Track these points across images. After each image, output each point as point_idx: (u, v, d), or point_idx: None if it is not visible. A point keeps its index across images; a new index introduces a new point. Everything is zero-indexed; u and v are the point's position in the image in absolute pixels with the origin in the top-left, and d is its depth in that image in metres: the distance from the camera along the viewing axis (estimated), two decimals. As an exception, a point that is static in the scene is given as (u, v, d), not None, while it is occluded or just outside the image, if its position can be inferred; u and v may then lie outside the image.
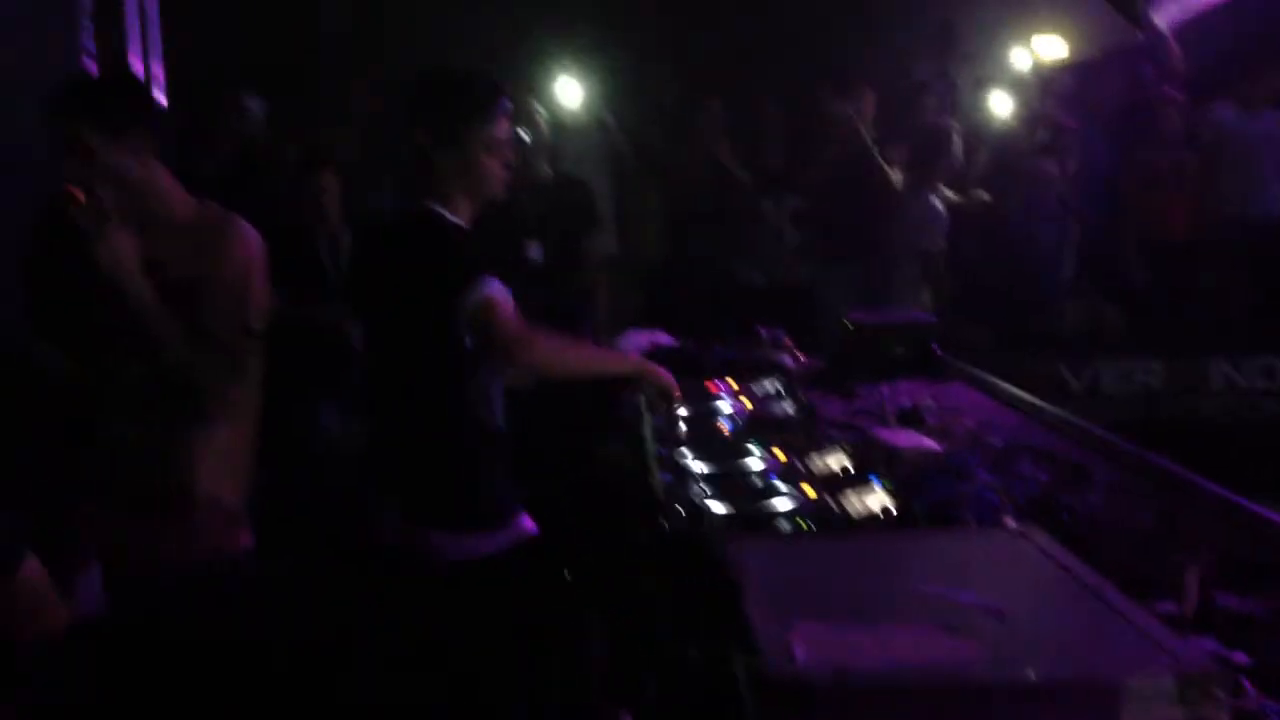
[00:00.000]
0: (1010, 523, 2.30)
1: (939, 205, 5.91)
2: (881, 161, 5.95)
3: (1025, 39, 6.92)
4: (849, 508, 2.45)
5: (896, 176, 5.98)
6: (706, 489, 2.55)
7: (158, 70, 4.56)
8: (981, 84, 6.84)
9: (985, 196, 6.27)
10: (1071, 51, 6.83)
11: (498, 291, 2.60)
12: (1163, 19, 6.13)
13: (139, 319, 2.42)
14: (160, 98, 4.72)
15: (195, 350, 2.46)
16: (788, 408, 3.25)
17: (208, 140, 5.49)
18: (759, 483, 2.61)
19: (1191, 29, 6.15)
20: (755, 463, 2.74)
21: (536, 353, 2.67)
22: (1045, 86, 6.57)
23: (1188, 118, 6.33)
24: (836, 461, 2.72)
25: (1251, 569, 2.03)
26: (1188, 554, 2.03)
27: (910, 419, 3.24)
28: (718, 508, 2.45)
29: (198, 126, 5.36)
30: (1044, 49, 6.84)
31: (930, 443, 2.96)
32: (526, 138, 5.66)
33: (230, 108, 5.63)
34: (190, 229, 2.54)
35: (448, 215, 2.75)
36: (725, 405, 3.27)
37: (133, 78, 3.99)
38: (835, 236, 5.99)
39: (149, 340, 2.44)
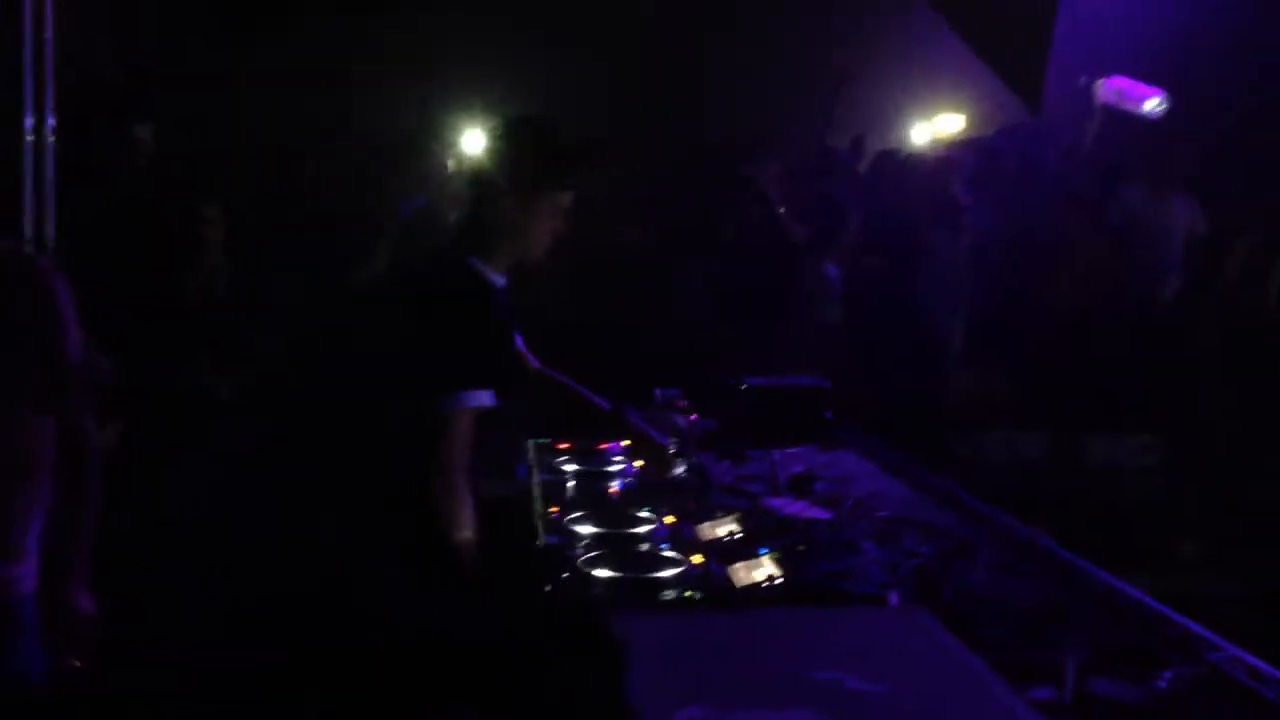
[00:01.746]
0: (894, 599, 2.31)
1: (834, 274, 6.00)
2: (787, 222, 6.02)
3: (927, 116, 7.10)
4: (736, 577, 2.43)
5: (800, 235, 6.06)
6: (593, 552, 2.51)
7: (49, 91, 4.42)
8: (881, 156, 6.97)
9: (880, 264, 6.38)
10: (970, 128, 7.02)
11: (467, 408, 2.56)
12: (1105, 96, 6.23)
13: None
14: (50, 119, 4.57)
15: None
16: (679, 470, 3.23)
17: (94, 167, 5.34)
18: (647, 548, 2.58)
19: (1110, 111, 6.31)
20: (644, 527, 2.71)
21: (444, 493, 2.59)
22: (943, 161, 6.72)
23: (1091, 198, 6.50)
24: (725, 528, 2.71)
25: (1129, 655, 2.06)
26: (1067, 638, 2.05)
27: (800, 486, 3.25)
28: (604, 573, 2.41)
29: (85, 153, 5.22)
30: (943, 125, 7.02)
31: (819, 511, 2.97)
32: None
33: (120, 134, 5.49)
34: None
35: (486, 272, 2.69)
36: (616, 466, 3.24)
37: None
38: (738, 298, 6.03)
39: None
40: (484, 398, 2.62)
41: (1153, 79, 6.27)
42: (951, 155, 6.72)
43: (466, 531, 2.60)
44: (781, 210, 6.13)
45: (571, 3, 7.29)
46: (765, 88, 7.08)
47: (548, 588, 2.39)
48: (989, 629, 2.17)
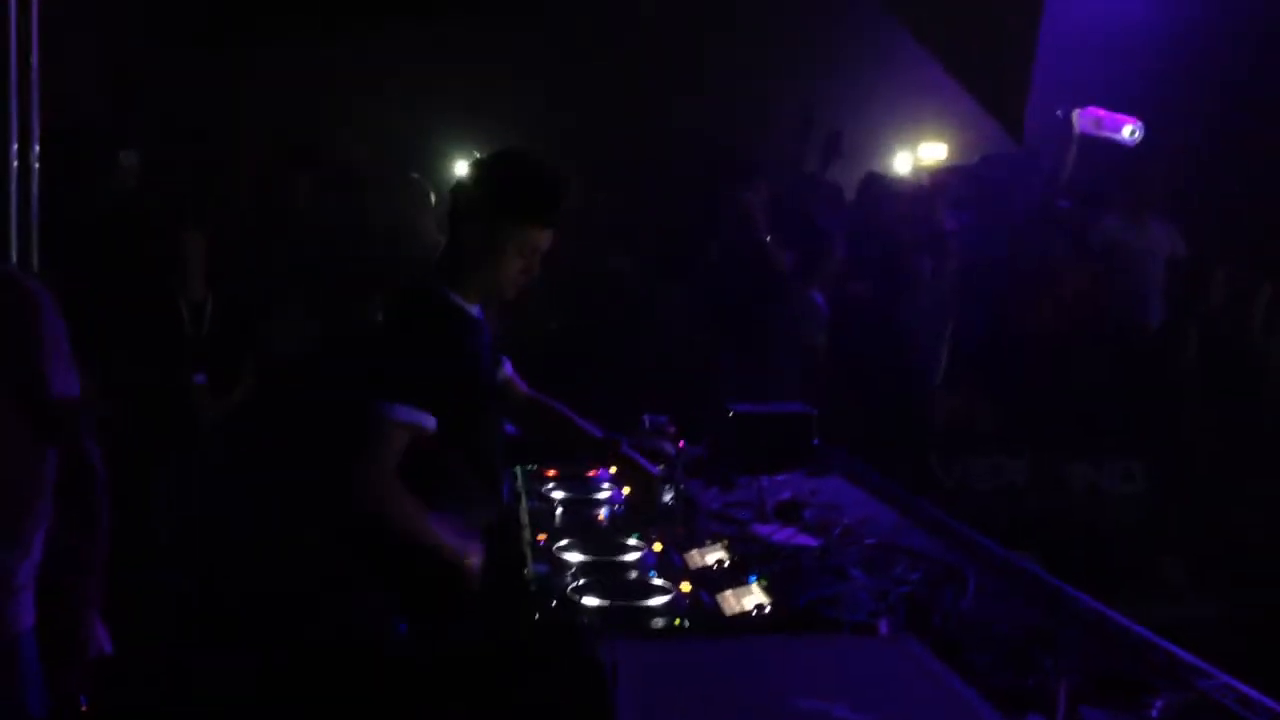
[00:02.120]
0: (883, 627, 2.30)
1: (820, 301, 6.03)
2: (773, 249, 6.05)
3: (910, 143, 7.15)
4: (724, 604, 2.43)
5: (786, 261, 6.09)
6: (581, 580, 2.50)
7: (34, 118, 4.41)
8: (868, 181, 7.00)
9: (865, 289, 6.40)
10: (954, 156, 7.06)
11: (398, 420, 2.55)
12: (1082, 125, 6.30)
13: None
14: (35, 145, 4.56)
15: None
16: (667, 497, 3.22)
17: (79, 193, 5.34)
18: (635, 575, 2.57)
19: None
20: (632, 554, 2.70)
21: (377, 503, 2.59)
22: (929, 188, 6.77)
23: (1074, 225, 6.55)
24: (714, 555, 2.70)
25: (1120, 683, 2.06)
26: (1058, 665, 2.05)
27: (788, 513, 3.24)
28: (591, 601, 2.40)
29: (70, 178, 5.22)
30: (927, 153, 7.06)
31: (807, 538, 2.97)
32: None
33: (104, 160, 5.50)
34: None
35: (457, 299, 2.72)
36: (604, 493, 3.23)
37: None
38: (725, 324, 6.04)
39: None
40: (419, 417, 2.59)
41: (1131, 107, 6.34)
42: (937, 182, 6.77)
43: (435, 537, 2.60)
44: (768, 237, 6.15)
45: (573, 19, 7.32)
46: (749, 114, 7.12)
47: (535, 615, 2.38)
48: (978, 656, 2.17)
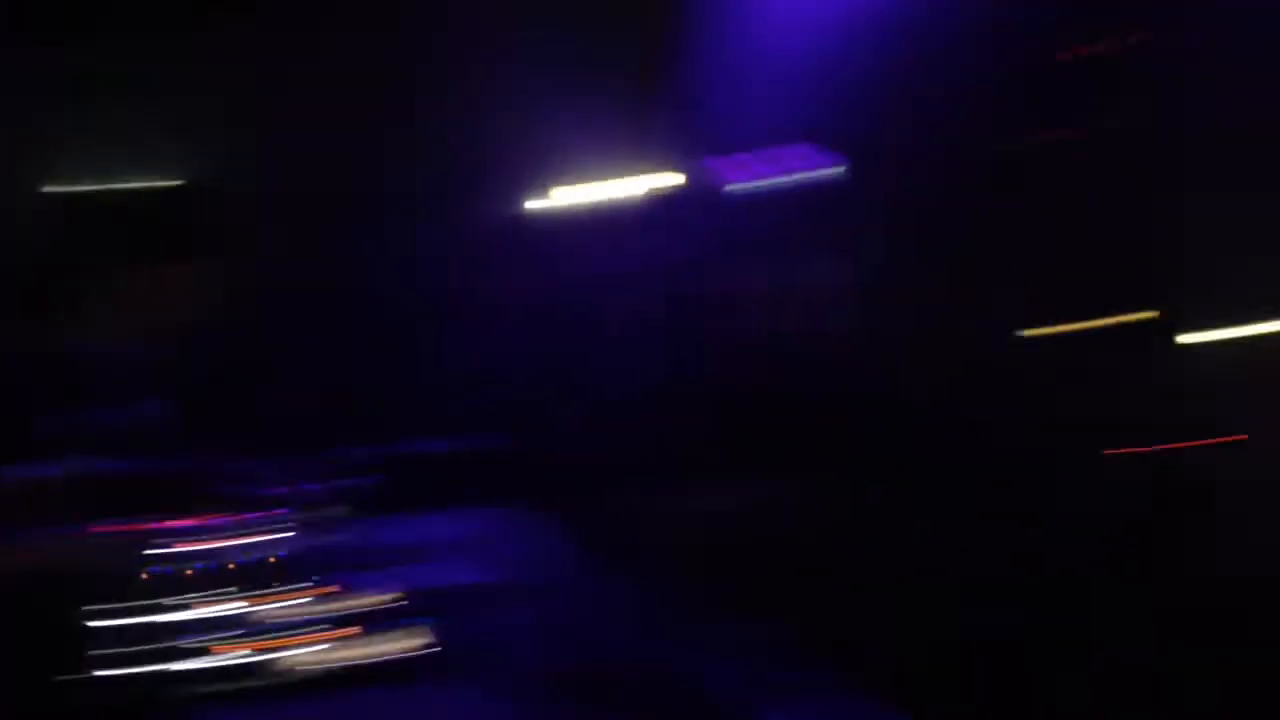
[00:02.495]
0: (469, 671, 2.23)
1: (513, 336, 5.96)
2: (441, 286, 5.93)
3: (594, 180, 7.13)
4: (315, 659, 2.30)
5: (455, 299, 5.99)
6: (159, 641, 2.32)
7: None
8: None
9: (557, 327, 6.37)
10: (637, 193, 7.11)
11: None
12: (744, 167, 6.43)
13: None
14: None
15: None
16: (264, 548, 3.02)
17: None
18: (216, 634, 2.40)
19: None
20: (215, 611, 2.53)
21: None
22: (610, 224, 6.79)
23: (750, 260, 6.69)
24: (300, 609, 2.56)
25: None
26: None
27: (434, 554, 3.13)
28: (170, 664, 2.23)
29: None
30: (606, 190, 7.07)
31: (466, 575, 2.88)
32: None
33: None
34: None
35: (73, 339, 2.48)
36: (197, 545, 3.01)
37: None
38: (394, 360, 5.88)
39: None
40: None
41: (810, 136, 6.55)
42: (615, 218, 6.82)
43: None
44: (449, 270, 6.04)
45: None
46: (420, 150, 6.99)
47: (100, 685, 2.18)
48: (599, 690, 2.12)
